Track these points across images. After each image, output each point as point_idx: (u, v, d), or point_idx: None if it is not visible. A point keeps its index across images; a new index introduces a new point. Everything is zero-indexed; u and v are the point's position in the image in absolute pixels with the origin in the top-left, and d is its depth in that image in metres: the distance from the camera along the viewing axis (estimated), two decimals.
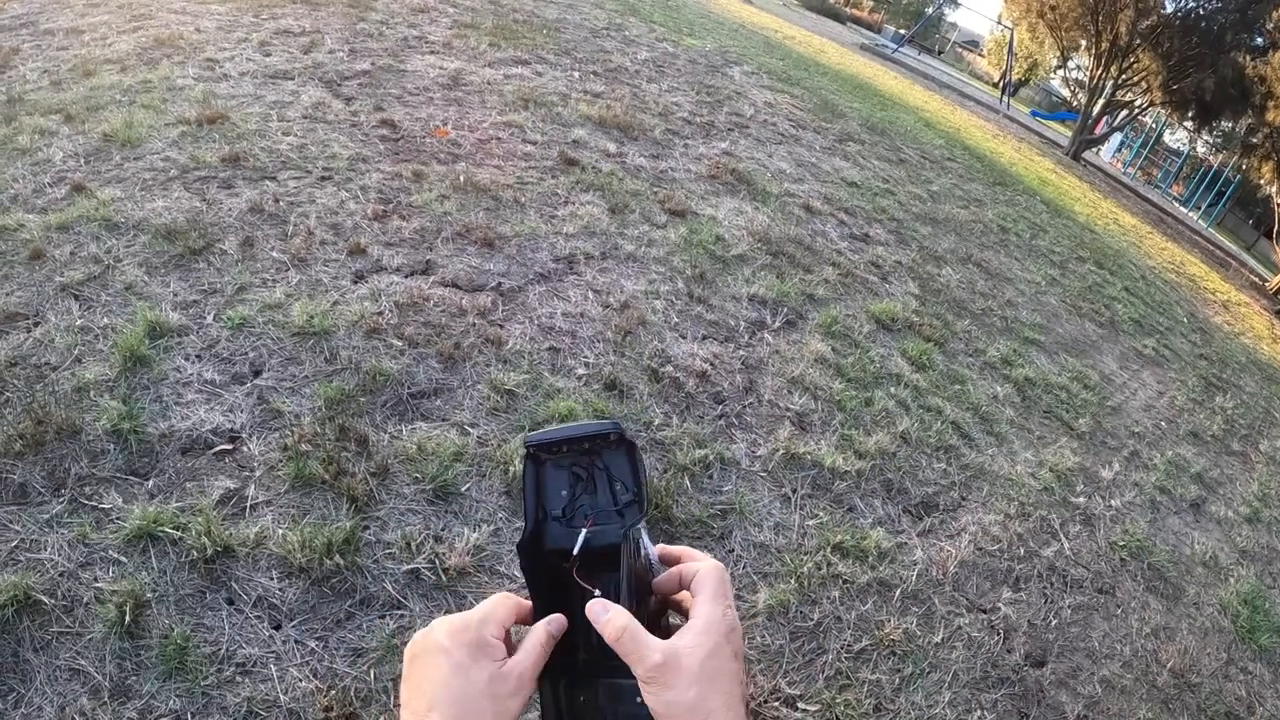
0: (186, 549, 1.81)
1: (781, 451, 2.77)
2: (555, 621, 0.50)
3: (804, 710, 1.96)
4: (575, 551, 0.54)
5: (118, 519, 1.84)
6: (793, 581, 2.29)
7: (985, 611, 2.51)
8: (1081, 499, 3.35)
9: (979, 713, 2.16)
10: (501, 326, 2.91)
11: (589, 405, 2.64)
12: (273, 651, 1.69)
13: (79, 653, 1.59)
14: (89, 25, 4.86)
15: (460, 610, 0.49)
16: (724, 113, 6.60)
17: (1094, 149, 21.53)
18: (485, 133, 4.54)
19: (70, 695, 1.52)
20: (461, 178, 3.88)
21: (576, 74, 6.25)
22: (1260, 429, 5.35)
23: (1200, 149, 26.13)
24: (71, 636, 1.62)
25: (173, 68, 4.35)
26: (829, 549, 2.44)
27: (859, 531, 2.57)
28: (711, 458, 2.62)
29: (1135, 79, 17.06)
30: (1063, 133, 22.26)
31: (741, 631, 0.50)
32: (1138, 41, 15.76)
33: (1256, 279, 15.24)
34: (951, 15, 43.38)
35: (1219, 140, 24.00)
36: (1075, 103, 20.97)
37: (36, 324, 2.36)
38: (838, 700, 2.01)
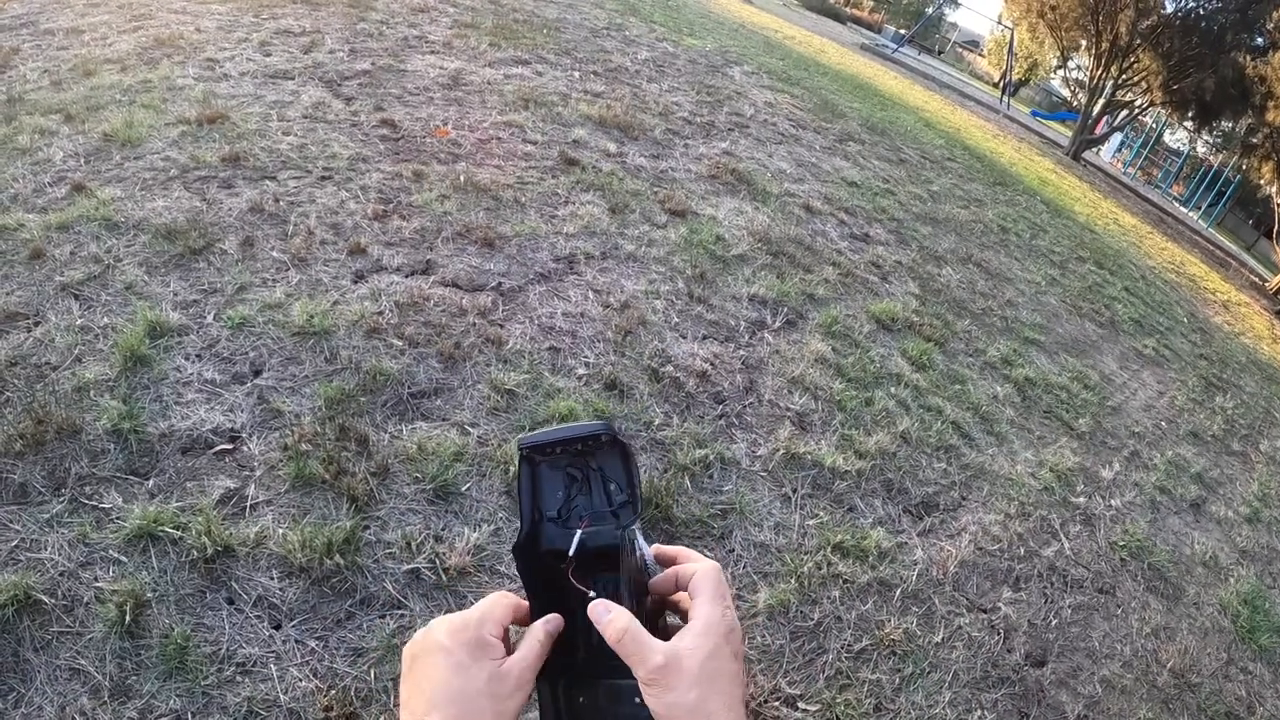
0: (187, 549, 1.81)
1: (782, 451, 2.77)
2: (553, 621, 0.50)
3: (804, 710, 1.96)
4: (570, 552, 0.54)
5: (118, 519, 1.84)
6: (793, 581, 2.29)
7: (985, 611, 2.51)
8: (1082, 499, 3.35)
9: (979, 712, 2.16)
10: (502, 326, 2.91)
11: (589, 405, 2.64)
12: (273, 651, 1.69)
13: (79, 652, 1.59)
14: (89, 25, 4.86)
15: (460, 610, 0.49)
16: (724, 113, 6.60)
17: (1094, 149, 21.54)
18: (485, 132, 4.54)
19: (70, 695, 1.52)
20: (462, 177, 3.88)
21: (577, 74, 6.25)
22: (1260, 429, 5.35)
23: (1200, 149, 26.14)
24: (72, 636, 1.62)
25: (173, 67, 4.35)
26: (829, 549, 2.44)
27: (859, 531, 2.57)
28: (712, 457, 2.62)
29: (1135, 79, 17.06)
30: (1063, 133, 22.27)
31: (740, 632, 0.50)
32: (1138, 41, 15.76)
33: (1256, 279, 15.24)
34: (951, 15, 43.38)
35: (1219, 140, 24.01)
36: (1075, 103, 20.97)
37: (37, 323, 2.36)
38: (838, 700, 2.01)
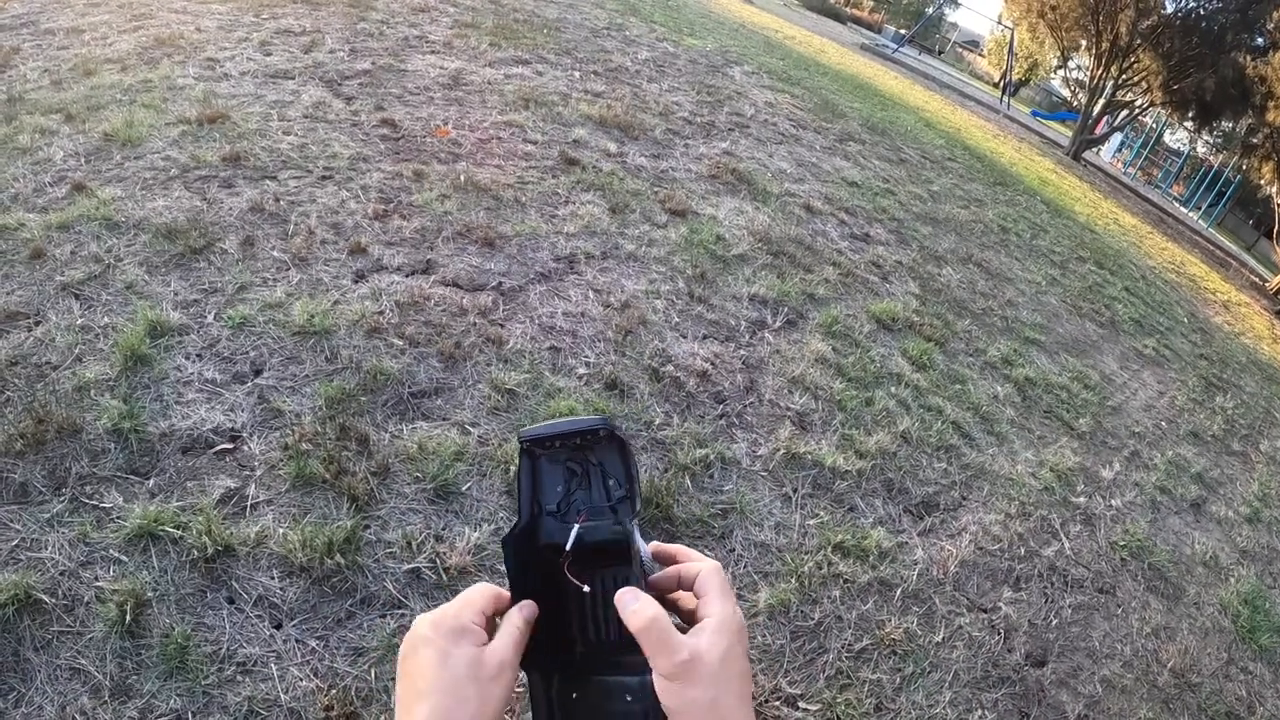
0: (187, 548, 1.81)
1: (782, 451, 2.77)
2: (527, 607, 0.50)
3: (805, 710, 1.96)
4: (567, 546, 0.54)
5: (118, 518, 1.84)
6: (793, 581, 2.29)
7: (986, 611, 2.51)
8: (1082, 499, 3.35)
9: (980, 712, 2.16)
10: (502, 326, 2.91)
11: (590, 405, 2.64)
12: (273, 651, 1.69)
13: (79, 652, 1.59)
14: (89, 25, 4.86)
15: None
16: (724, 112, 6.60)
17: (1094, 149, 21.54)
18: (486, 132, 4.54)
19: (71, 694, 1.52)
20: (462, 177, 3.88)
21: (577, 74, 6.25)
22: (1260, 429, 5.35)
23: (1200, 149, 26.14)
24: (72, 635, 1.61)
25: (173, 67, 4.35)
26: (830, 548, 2.44)
27: (860, 531, 2.57)
28: (712, 457, 2.62)
29: (1135, 79, 17.06)
30: (1063, 133, 22.27)
31: (746, 631, 0.50)
32: (1138, 41, 15.76)
33: (1257, 279, 15.24)
34: (952, 15, 43.39)
35: (1219, 140, 24.01)
36: (1075, 103, 20.97)
37: (37, 323, 2.36)
38: (838, 700, 2.01)
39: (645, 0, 10.84)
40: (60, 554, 1.74)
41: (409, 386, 2.49)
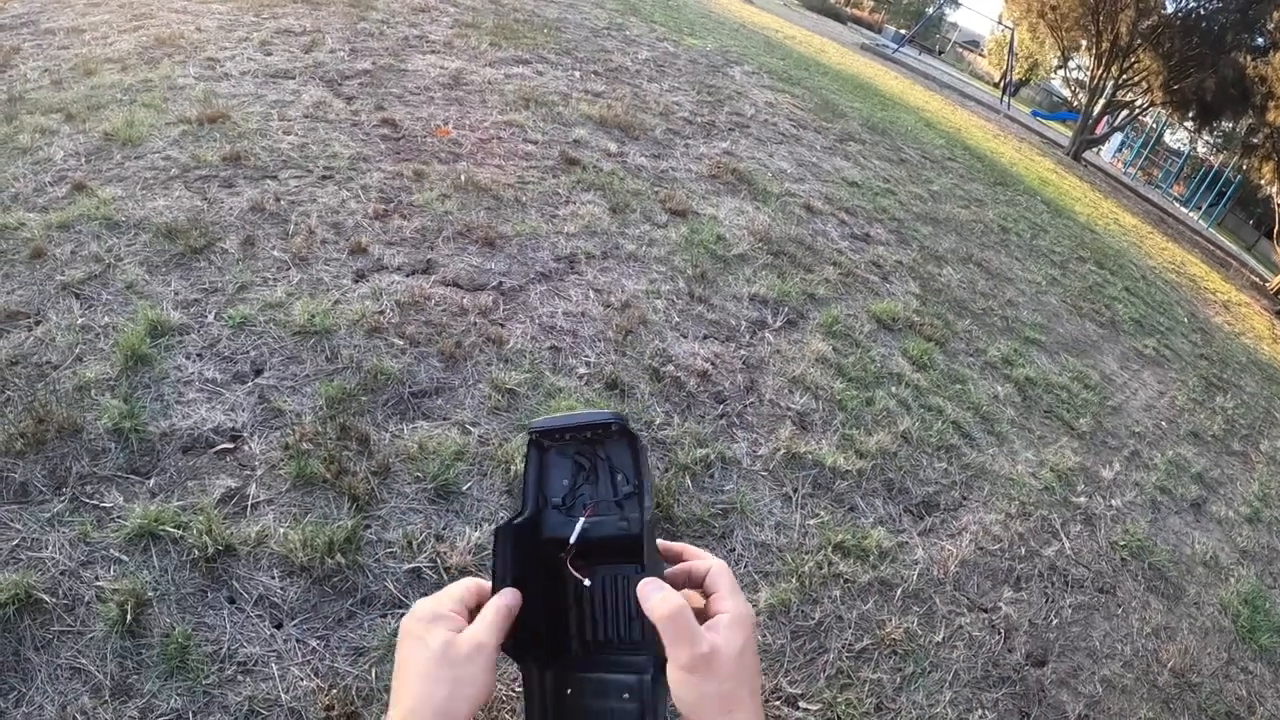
0: (188, 548, 1.81)
1: (783, 451, 2.77)
2: (509, 594, 0.50)
3: (805, 709, 1.96)
4: (571, 540, 0.54)
5: (119, 518, 1.84)
6: (794, 581, 2.29)
7: (986, 611, 2.51)
8: (1082, 499, 3.35)
9: (980, 712, 2.16)
10: (503, 325, 2.91)
11: (590, 404, 2.64)
12: (274, 650, 1.69)
13: (80, 651, 1.59)
14: (90, 24, 4.86)
15: None
16: (725, 112, 6.60)
17: (1094, 149, 21.53)
18: (486, 132, 4.54)
19: (71, 694, 1.52)
20: (462, 177, 3.87)
21: (577, 73, 6.25)
22: (1261, 429, 5.35)
23: (1201, 149, 26.14)
24: (73, 635, 1.61)
25: (174, 67, 4.35)
26: (830, 548, 2.44)
27: (860, 531, 2.57)
28: (713, 457, 2.62)
29: (1136, 79, 17.06)
30: (1063, 133, 22.26)
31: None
32: (1138, 42, 15.76)
33: (1257, 279, 15.24)
34: (952, 15, 43.39)
35: (1219, 140, 24.01)
36: (1076, 103, 20.97)
37: (38, 323, 2.36)
38: (839, 699, 2.01)
39: (645, 0, 10.84)
40: (61, 553, 1.74)
41: (409, 386, 2.49)
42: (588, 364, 2.86)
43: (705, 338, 3.27)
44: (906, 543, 2.63)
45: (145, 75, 4.18)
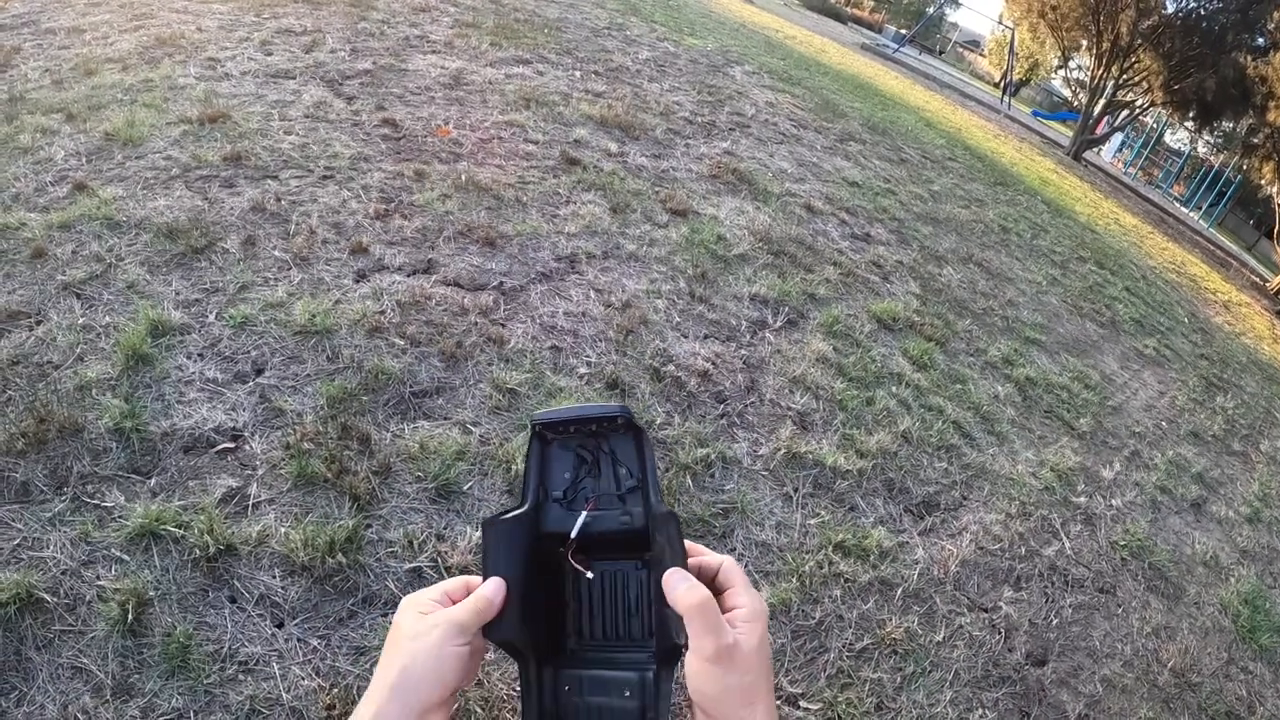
0: (189, 547, 1.81)
1: (783, 451, 2.77)
2: (491, 584, 0.50)
3: (806, 709, 1.96)
4: (573, 534, 0.53)
5: (120, 517, 1.84)
6: (794, 580, 2.29)
7: (986, 610, 2.52)
8: (1082, 498, 3.35)
9: (980, 711, 2.16)
10: (503, 325, 2.91)
11: (591, 401, 2.64)
12: (275, 650, 1.69)
13: (81, 651, 1.59)
14: (90, 24, 4.86)
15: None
16: (725, 112, 6.60)
17: (1095, 149, 21.53)
18: (487, 132, 4.54)
19: (73, 693, 1.52)
20: (463, 177, 3.88)
21: (578, 73, 6.25)
22: (1261, 429, 5.35)
23: (1201, 149, 26.14)
24: (74, 635, 1.62)
25: (174, 67, 4.35)
26: (830, 548, 2.44)
27: (860, 530, 2.57)
28: (713, 457, 2.62)
29: (1136, 79, 17.06)
30: (1064, 133, 22.26)
31: None
32: (1139, 41, 15.75)
33: (1257, 279, 15.23)
34: (952, 15, 43.38)
35: (1220, 140, 24.01)
36: (1076, 103, 20.96)
37: (39, 322, 2.36)
38: (839, 699, 2.01)
39: (646, 0, 10.84)
40: (62, 553, 1.75)
41: (410, 386, 2.49)
42: (588, 364, 2.86)
43: (706, 337, 3.28)
44: (907, 542, 2.63)
45: (146, 75, 4.18)
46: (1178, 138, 28.21)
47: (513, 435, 2.42)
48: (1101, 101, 17.91)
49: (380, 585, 1.88)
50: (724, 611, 0.49)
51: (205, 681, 1.60)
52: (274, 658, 1.68)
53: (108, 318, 2.43)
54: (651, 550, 0.53)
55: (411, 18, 6.39)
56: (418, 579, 1.92)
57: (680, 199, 4.44)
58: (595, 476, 0.56)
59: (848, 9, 34.53)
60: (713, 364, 3.10)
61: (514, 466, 2.29)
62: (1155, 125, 26.19)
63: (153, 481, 1.96)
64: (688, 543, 0.55)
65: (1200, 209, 22.77)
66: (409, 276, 3.03)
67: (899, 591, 2.41)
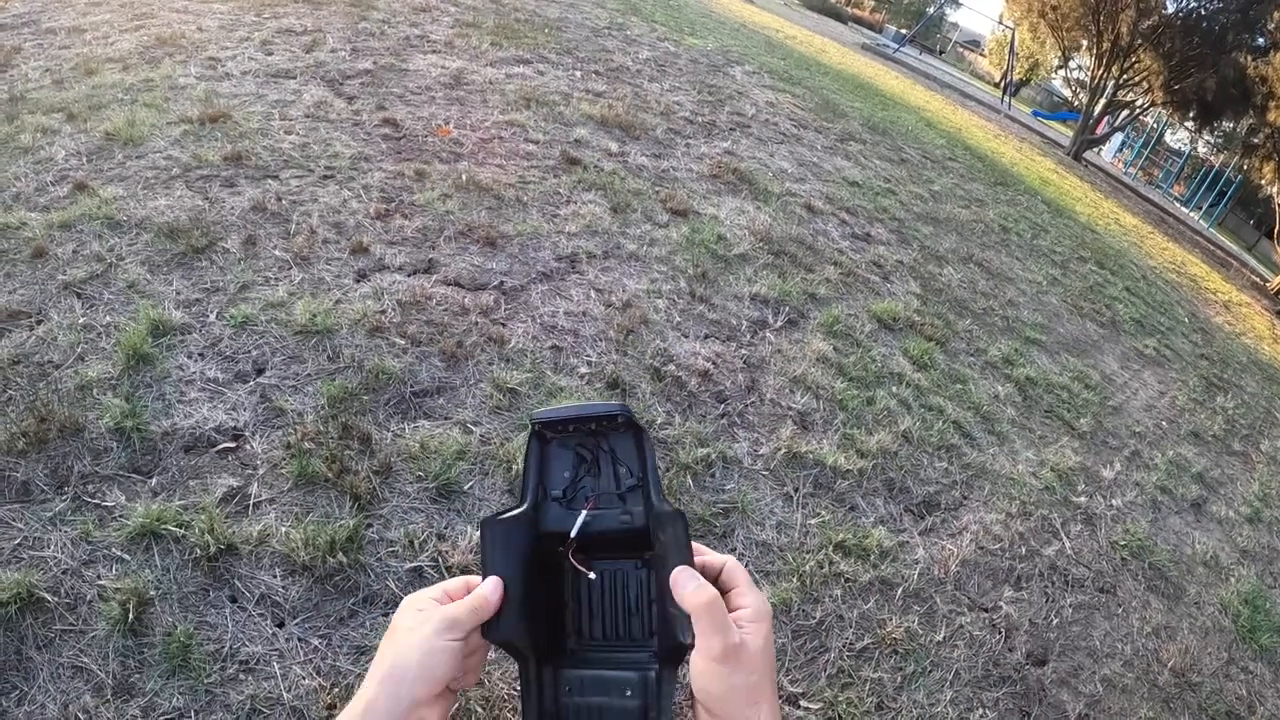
0: (189, 547, 1.82)
1: (783, 450, 2.77)
2: (490, 583, 0.50)
3: (806, 708, 1.96)
4: (573, 533, 0.53)
5: (120, 517, 1.84)
6: (795, 580, 2.29)
7: (987, 610, 2.52)
8: (1083, 498, 3.35)
9: (981, 711, 2.16)
10: (504, 325, 2.91)
11: (591, 401, 2.64)
12: (276, 649, 1.70)
13: (82, 650, 1.59)
14: (91, 24, 4.86)
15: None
16: (726, 112, 6.60)
17: (1095, 149, 21.52)
18: (487, 132, 4.54)
19: (73, 693, 1.52)
20: (464, 177, 3.88)
21: (578, 73, 6.25)
22: (1261, 429, 5.35)
23: (1201, 149, 26.14)
24: (74, 634, 1.62)
25: (175, 66, 4.35)
26: (831, 547, 2.44)
27: (861, 530, 2.57)
28: (714, 456, 2.62)
29: (1136, 79, 17.06)
30: (1064, 133, 22.26)
31: None
32: (1139, 41, 15.75)
33: (1257, 279, 15.23)
34: (953, 15, 43.38)
35: (1220, 140, 24.01)
36: (1076, 103, 20.96)
37: (39, 322, 2.36)
38: (840, 698, 2.01)
39: (646, 0, 10.83)
40: (62, 552, 1.75)
41: (411, 385, 2.49)
42: (589, 363, 2.86)
43: (706, 337, 3.28)
44: (907, 542, 2.63)
45: (146, 75, 4.18)
46: (1178, 138, 28.24)
47: (513, 435, 2.42)
48: (1102, 101, 17.90)
49: (381, 585, 1.88)
50: (729, 611, 0.49)
51: (206, 681, 1.60)
52: (275, 657, 1.68)
53: (108, 317, 2.43)
54: (653, 549, 0.53)
55: (412, 17, 6.39)
56: (418, 578, 1.93)
57: (681, 199, 4.44)
58: (595, 475, 0.55)
59: (848, 9, 34.54)
60: (713, 364, 3.10)
61: (514, 466, 2.29)
62: (1155, 125, 26.20)
63: (153, 481, 1.96)
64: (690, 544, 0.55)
65: (1200, 209, 22.77)
66: (410, 276, 3.03)
67: (899, 591, 2.41)
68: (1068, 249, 7.35)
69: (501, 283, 3.17)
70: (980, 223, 6.67)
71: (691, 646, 0.46)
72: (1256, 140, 15.68)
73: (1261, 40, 15.02)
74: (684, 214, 4.30)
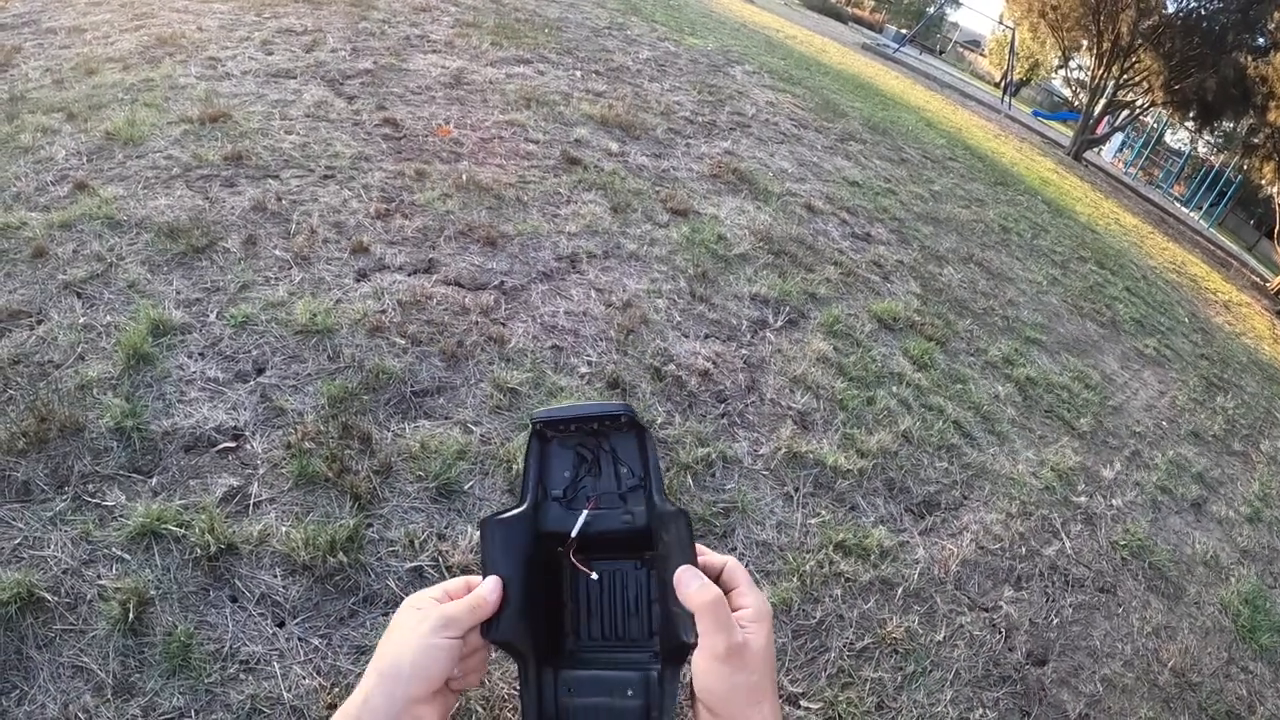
0: (190, 546, 1.82)
1: (784, 450, 2.77)
2: (489, 583, 0.50)
3: (806, 708, 1.96)
4: (574, 533, 0.53)
5: (121, 516, 1.84)
6: (795, 580, 2.29)
7: (987, 610, 2.52)
8: (1083, 498, 3.35)
9: (981, 711, 2.16)
10: (504, 325, 2.91)
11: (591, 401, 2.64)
12: (276, 649, 1.70)
13: (82, 650, 1.59)
14: (91, 24, 4.86)
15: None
16: (726, 112, 6.60)
17: (1095, 149, 21.52)
18: (488, 132, 4.54)
19: (73, 692, 1.52)
20: (464, 176, 3.88)
21: (578, 73, 6.25)
22: (1261, 429, 5.35)
23: (1201, 149, 26.14)
24: (75, 634, 1.62)
25: (175, 66, 4.35)
26: (831, 547, 2.44)
27: (861, 530, 2.57)
28: (714, 456, 2.62)
29: (1137, 79, 17.06)
30: (1064, 133, 22.25)
31: None
32: (1139, 41, 15.75)
33: (1258, 279, 15.23)
34: (953, 15, 43.39)
35: (1220, 140, 24.01)
36: (1077, 103, 20.96)
37: (39, 322, 2.36)
38: (840, 698, 2.01)
39: (646, 0, 10.83)
40: (63, 552, 1.75)
41: (411, 385, 2.49)
42: (589, 363, 2.86)
43: (706, 337, 3.28)
44: (907, 542, 2.63)
45: (147, 74, 4.18)
46: (1178, 138, 28.24)
47: (514, 434, 2.42)
48: (1102, 101, 17.90)
49: (381, 584, 1.88)
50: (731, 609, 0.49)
51: (206, 681, 1.60)
52: (275, 657, 1.68)
53: (109, 317, 2.43)
54: (655, 549, 0.53)
55: (412, 17, 6.39)
56: (418, 578, 1.93)
57: (681, 198, 4.44)
58: (595, 475, 0.55)
59: (848, 9, 34.54)
60: (713, 363, 3.10)
61: (515, 466, 2.29)
62: (1155, 125, 26.19)
63: (154, 481, 1.96)
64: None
65: (1200, 209, 22.77)
66: (410, 276, 3.03)
67: (899, 591, 2.41)
68: (1068, 249, 7.35)
69: (502, 282, 3.17)
70: (980, 223, 6.67)
71: (695, 646, 0.46)
72: (1256, 140, 15.68)
73: (1261, 40, 15.02)
74: (684, 214, 4.30)
